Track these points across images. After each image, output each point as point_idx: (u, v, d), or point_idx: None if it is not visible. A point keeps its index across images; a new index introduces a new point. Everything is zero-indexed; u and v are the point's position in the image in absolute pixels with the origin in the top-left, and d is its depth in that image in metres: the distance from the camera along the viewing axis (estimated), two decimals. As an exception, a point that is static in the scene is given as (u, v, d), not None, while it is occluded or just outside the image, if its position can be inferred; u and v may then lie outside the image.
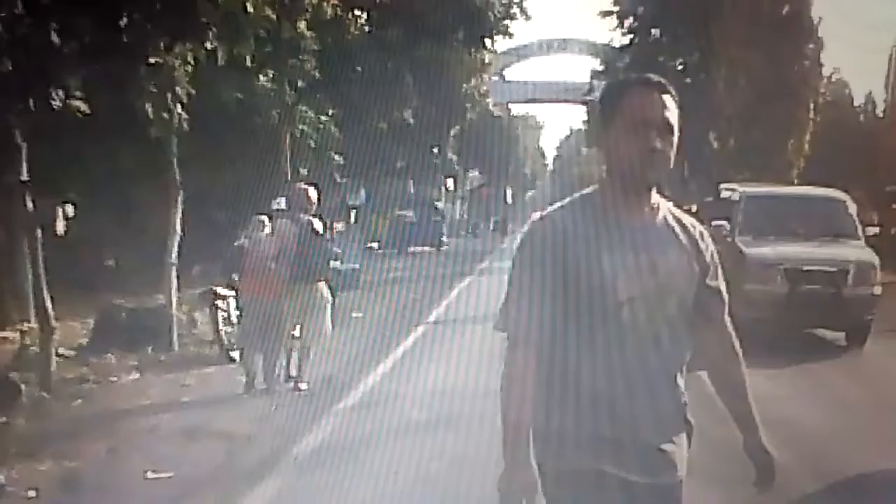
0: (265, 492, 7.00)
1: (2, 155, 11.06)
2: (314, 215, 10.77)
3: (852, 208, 15.21)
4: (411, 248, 37.29)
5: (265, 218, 11.55)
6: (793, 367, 12.19)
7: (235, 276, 11.80)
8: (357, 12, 24.64)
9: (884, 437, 8.73)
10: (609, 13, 46.47)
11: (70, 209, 15.70)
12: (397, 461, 7.63)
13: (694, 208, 20.04)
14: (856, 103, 40.58)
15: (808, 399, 10.63)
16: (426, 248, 39.29)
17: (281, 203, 11.88)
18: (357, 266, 21.08)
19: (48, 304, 10.50)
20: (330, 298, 10.98)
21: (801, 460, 7.43)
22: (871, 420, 9.66)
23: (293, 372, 10.97)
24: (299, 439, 8.38)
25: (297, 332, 10.82)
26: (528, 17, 37.57)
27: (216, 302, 12.38)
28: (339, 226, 23.04)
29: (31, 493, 6.90)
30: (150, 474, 7.29)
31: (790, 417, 8.90)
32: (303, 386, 10.66)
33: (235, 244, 12.07)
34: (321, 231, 10.82)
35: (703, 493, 5.56)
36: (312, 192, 10.91)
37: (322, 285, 10.78)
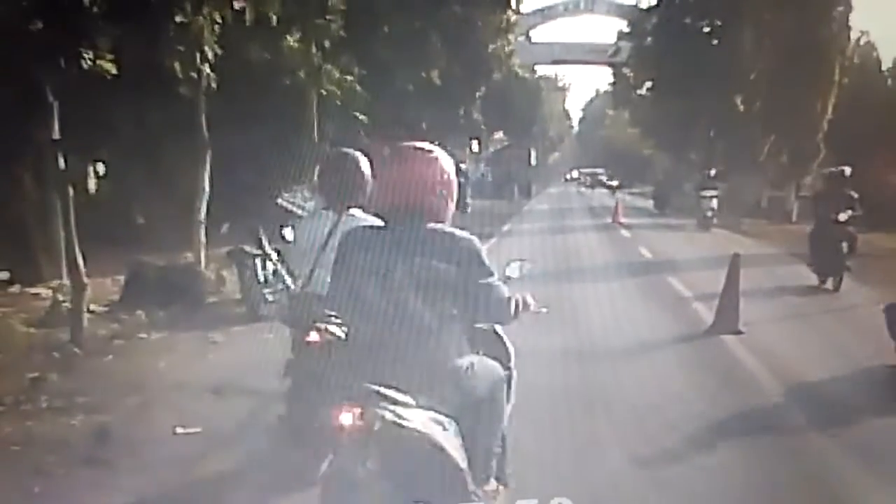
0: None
1: (34, 114, 11.22)
2: None
3: None
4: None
5: None
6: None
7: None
8: (383, -29, 24.52)
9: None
10: (637, -27, 46.23)
11: (101, 168, 15.88)
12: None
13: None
14: (883, 67, 39.93)
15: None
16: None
17: None
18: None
19: (80, 261, 10.64)
20: None
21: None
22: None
23: None
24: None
25: None
26: (554, -23, 37.21)
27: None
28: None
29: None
30: (178, 430, 7.43)
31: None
32: None
33: None
34: None
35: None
36: None
37: None
